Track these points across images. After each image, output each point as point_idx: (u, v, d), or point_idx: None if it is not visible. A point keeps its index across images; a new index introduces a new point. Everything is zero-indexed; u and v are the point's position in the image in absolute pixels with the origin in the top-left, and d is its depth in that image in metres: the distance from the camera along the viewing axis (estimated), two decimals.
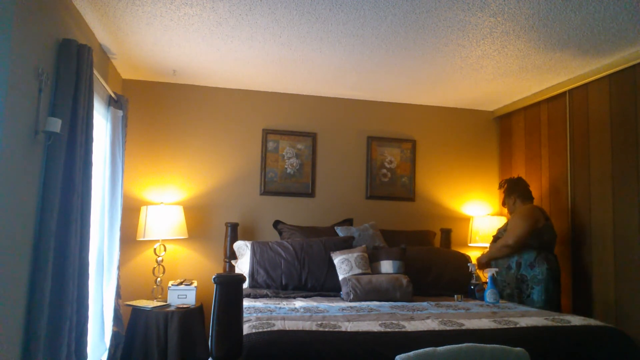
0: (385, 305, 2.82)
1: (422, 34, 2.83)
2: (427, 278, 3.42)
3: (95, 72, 2.54)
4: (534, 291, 3.22)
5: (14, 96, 1.82)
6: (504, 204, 3.75)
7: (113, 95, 3.13)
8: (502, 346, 1.86)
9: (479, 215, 4.22)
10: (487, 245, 3.99)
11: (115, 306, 3.16)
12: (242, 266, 3.39)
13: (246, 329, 2.08)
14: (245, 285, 3.18)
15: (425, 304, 2.91)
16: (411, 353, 1.78)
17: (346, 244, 3.48)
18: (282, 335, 1.99)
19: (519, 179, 3.70)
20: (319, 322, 2.22)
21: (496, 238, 3.57)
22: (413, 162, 4.33)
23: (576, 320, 2.40)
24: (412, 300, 3.03)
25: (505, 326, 2.26)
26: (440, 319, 2.37)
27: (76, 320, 2.25)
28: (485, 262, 3.50)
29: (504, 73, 3.50)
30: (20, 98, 1.87)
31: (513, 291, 3.33)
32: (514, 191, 3.63)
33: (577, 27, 2.71)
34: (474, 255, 4.11)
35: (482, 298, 3.14)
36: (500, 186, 3.78)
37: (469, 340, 1.94)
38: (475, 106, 4.46)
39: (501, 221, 3.83)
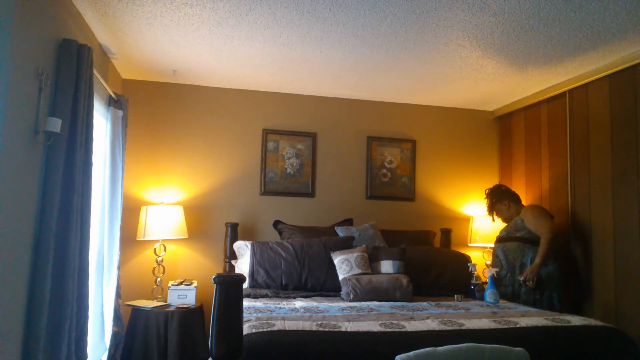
0: (385, 305, 2.82)
1: (422, 34, 2.83)
2: (427, 278, 3.42)
3: (95, 72, 2.54)
4: (552, 295, 3.24)
5: (14, 96, 1.82)
6: (493, 210, 3.72)
7: (113, 95, 3.13)
8: (502, 346, 1.86)
9: (479, 215, 4.22)
10: (488, 245, 4.00)
11: (115, 306, 3.16)
12: (242, 266, 3.39)
13: (246, 329, 2.08)
14: (245, 285, 3.18)
15: (425, 304, 2.91)
16: (411, 353, 1.79)
17: (346, 244, 3.48)
18: (282, 335, 1.99)
19: (503, 186, 3.75)
20: (319, 322, 2.22)
21: (500, 238, 3.56)
22: (413, 162, 4.33)
23: (576, 320, 2.40)
24: (412, 300, 3.03)
25: (505, 326, 2.26)
26: (440, 319, 2.37)
27: (76, 320, 2.25)
28: (541, 265, 3.23)
29: (504, 73, 3.50)
30: (20, 98, 1.87)
31: (520, 287, 3.31)
32: (506, 197, 3.65)
33: (577, 27, 2.71)
34: (474, 255, 4.12)
35: (482, 298, 3.14)
36: (487, 195, 3.76)
37: (469, 340, 1.94)
38: (475, 106, 4.46)
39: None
